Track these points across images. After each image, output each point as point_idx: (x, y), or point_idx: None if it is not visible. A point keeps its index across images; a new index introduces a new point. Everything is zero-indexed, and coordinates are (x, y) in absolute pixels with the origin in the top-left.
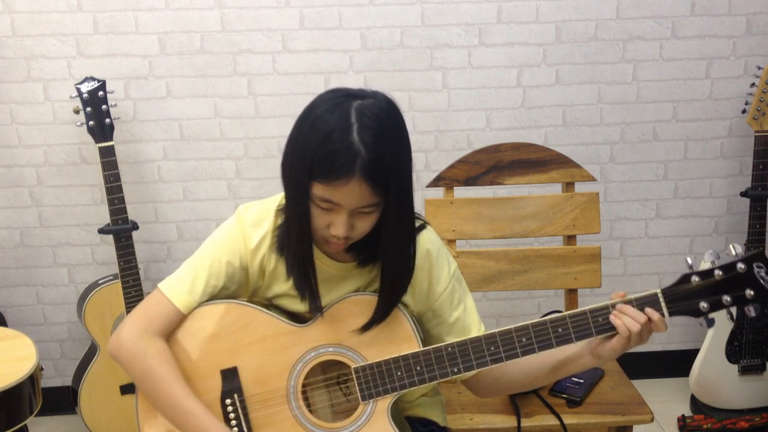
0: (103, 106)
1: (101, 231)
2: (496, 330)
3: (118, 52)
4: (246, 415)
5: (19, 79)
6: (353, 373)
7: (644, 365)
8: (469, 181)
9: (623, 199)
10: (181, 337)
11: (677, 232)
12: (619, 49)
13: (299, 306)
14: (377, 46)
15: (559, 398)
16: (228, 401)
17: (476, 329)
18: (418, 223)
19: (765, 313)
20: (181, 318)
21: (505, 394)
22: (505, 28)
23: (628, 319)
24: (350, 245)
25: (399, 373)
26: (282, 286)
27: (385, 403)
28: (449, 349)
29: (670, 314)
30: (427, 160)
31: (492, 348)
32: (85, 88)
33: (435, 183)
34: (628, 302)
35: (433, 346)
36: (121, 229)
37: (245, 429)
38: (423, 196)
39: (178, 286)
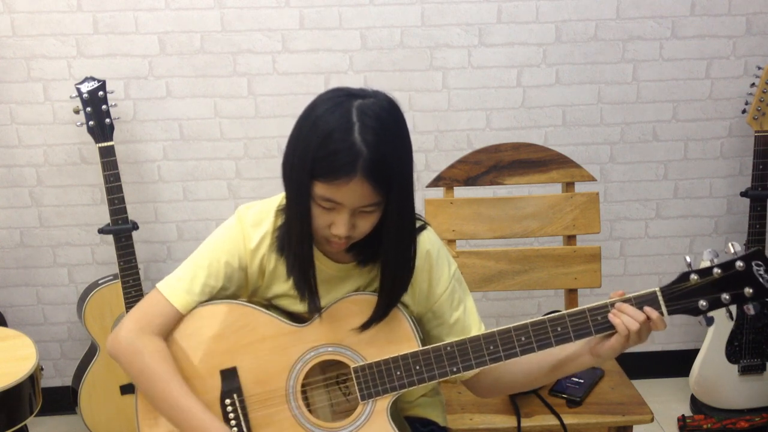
0: (103, 106)
1: (101, 231)
2: (495, 329)
3: (118, 52)
4: (245, 415)
5: (19, 79)
6: (352, 372)
7: (644, 365)
8: (469, 181)
9: (623, 199)
10: (181, 337)
11: (677, 232)
12: (619, 49)
13: (299, 306)
14: (377, 46)
15: (559, 398)
16: (227, 401)
17: (476, 330)
18: (418, 224)
19: (765, 313)
20: (179, 317)
21: (505, 394)
22: (505, 28)
23: (627, 318)
24: (351, 245)
25: (398, 373)
26: (282, 286)
27: (384, 403)
28: (448, 348)
29: (669, 313)
30: (427, 160)
31: (491, 347)
32: (85, 88)
33: (435, 183)
34: (627, 301)
35: (432, 346)
36: (121, 229)
37: (245, 429)
38: (423, 196)
39: (176, 286)
